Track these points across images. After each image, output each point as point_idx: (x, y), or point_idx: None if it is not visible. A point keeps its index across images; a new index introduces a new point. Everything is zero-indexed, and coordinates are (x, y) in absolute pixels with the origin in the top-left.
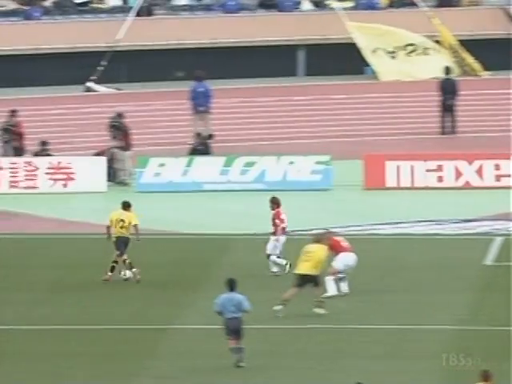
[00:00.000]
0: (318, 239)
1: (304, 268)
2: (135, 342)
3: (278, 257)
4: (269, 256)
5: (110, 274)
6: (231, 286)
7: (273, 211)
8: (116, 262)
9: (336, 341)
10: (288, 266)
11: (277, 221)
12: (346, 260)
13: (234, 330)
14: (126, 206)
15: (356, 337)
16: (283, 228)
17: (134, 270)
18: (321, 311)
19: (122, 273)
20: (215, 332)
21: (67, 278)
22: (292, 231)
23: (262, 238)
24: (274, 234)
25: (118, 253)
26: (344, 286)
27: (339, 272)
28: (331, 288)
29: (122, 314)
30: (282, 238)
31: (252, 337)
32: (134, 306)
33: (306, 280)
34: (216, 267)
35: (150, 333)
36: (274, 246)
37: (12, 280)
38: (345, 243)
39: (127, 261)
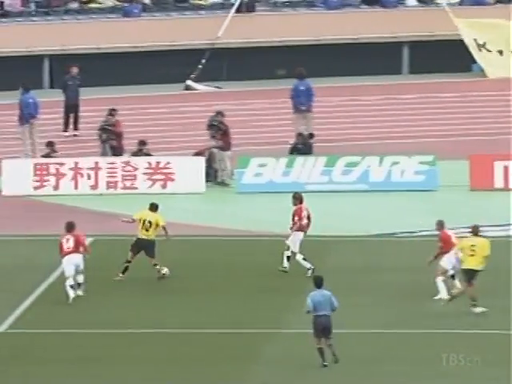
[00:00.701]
0: (475, 230)
1: (471, 263)
2: (238, 346)
3: (288, 257)
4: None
5: (121, 275)
6: (319, 283)
7: (294, 207)
8: (129, 261)
9: (438, 346)
10: (282, 269)
11: (296, 217)
12: (453, 260)
13: (326, 328)
14: (154, 207)
15: (461, 341)
16: (301, 225)
17: (165, 269)
18: (479, 309)
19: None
20: None
21: (163, 280)
22: (398, 233)
23: (365, 239)
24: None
25: (130, 254)
26: (458, 283)
27: (447, 271)
28: (443, 291)
29: (225, 317)
30: (300, 235)
31: (355, 342)
32: (237, 310)
33: (473, 275)
34: (318, 270)
35: (253, 337)
36: (298, 243)
37: (108, 283)
38: (455, 240)
39: (157, 265)
